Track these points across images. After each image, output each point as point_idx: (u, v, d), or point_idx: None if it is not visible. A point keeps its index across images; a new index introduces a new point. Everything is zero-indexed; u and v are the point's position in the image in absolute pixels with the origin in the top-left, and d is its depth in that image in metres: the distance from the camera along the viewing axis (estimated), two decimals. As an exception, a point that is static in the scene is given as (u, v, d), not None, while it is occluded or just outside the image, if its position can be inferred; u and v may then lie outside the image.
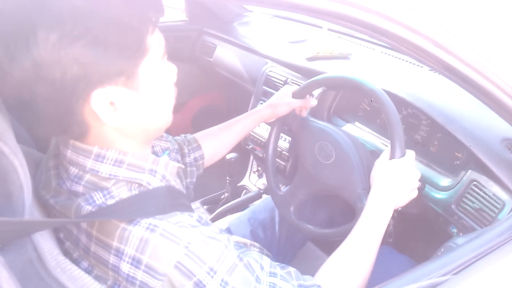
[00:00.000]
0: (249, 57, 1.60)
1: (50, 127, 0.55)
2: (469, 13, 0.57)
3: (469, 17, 0.57)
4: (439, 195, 0.99)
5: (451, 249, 0.70)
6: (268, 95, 1.44)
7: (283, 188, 1.12)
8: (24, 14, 0.46)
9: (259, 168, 1.60)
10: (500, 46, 0.58)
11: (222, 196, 1.53)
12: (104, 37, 0.48)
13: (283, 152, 1.37)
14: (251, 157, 1.62)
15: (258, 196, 1.48)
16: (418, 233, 1.16)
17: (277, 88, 1.41)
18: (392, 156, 0.81)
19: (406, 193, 0.78)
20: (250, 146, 1.50)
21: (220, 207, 1.39)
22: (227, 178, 1.50)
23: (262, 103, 1.46)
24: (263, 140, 1.44)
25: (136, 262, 0.54)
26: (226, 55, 1.72)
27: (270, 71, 1.46)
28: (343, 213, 1.17)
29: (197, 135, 1.01)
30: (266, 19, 1.94)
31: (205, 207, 1.54)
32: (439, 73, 0.61)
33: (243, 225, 1.13)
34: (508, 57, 0.59)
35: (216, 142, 1.04)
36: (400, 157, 0.80)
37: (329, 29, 1.43)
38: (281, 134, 1.34)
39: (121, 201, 0.57)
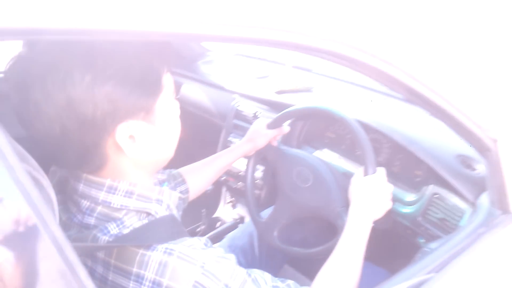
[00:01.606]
0: (216, 93, 1.68)
1: (73, 159, 0.59)
2: (430, 49, 0.69)
3: (433, 52, 0.68)
4: (406, 209, 1.09)
5: (427, 253, 0.79)
6: (239, 127, 1.52)
7: (263, 215, 1.18)
8: (61, 57, 0.51)
9: (232, 199, 1.65)
10: (457, 76, 0.70)
11: (198, 229, 1.55)
12: (131, 77, 0.54)
13: (257, 181, 1.44)
14: (223, 189, 1.67)
15: (234, 226, 1.53)
16: (390, 246, 1.25)
17: (247, 121, 1.50)
18: (366, 173, 0.91)
19: (382, 205, 0.87)
20: (223, 178, 1.55)
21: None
22: (202, 210, 1.53)
23: (234, 136, 1.53)
24: (236, 172, 1.50)
25: (156, 286, 0.57)
26: (193, 92, 1.79)
27: (239, 105, 1.55)
28: (317, 233, 1.24)
29: (182, 170, 1.06)
30: (228, 57, 2.04)
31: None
32: (406, 99, 0.71)
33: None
34: (463, 86, 0.72)
35: (200, 177, 1.09)
36: (373, 173, 0.90)
37: (293, 66, 1.55)
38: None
39: (134, 230, 0.61)
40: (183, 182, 1.02)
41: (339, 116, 1.00)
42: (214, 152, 1.42)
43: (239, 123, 1.53)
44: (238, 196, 1.63)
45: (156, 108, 0.60)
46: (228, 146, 1.50)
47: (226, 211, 1.67)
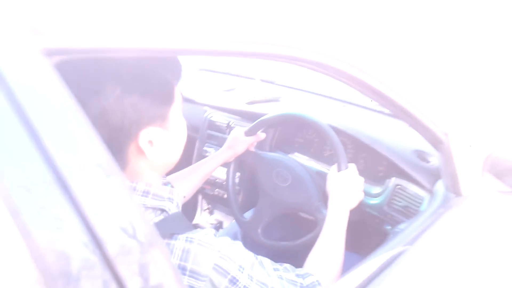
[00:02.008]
0: (187, 106, 1.76)
1: None
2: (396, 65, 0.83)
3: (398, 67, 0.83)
4: (373, 201, 1.23)
5: (398, 232, 0.92)
6: (213, 137, 1.61)
7: (246, 216, 1.27)
8: (94, 73, 0.59)
9: (209, 206, 1.73)
10: (414, 81, 0.85)
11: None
12: (152, 89, 0.63)
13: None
14: (200, 196, 1.75)
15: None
16: (361, 235, 1.39)
17: (221, 131, 1.59)
18: (339, 169, 1.03)
19: (356, 195, 1.00)
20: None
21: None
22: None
23: (208, 145, 1.62)
24: (212, 179, 1.59)
25: (181, 270, 0.65)
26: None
27: (212, 116, 1.64)
28: (295, 228, 1.35)
29: (169, 177, 1.13)
30: (193, 72, 2.13)
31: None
32: (377, 102, 0.85)
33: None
34: (419, 89, 0.87)
35: (186, 183, 1.16)
36: (345, 169, 1.03)
37: (261, 79, 1.68)
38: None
39: (155, 224, 0.69)
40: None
41: (312, 121, 1.13)
42: (189, 162, 1.51)
43: (213, 133, 1.62)
44: (215, 202, 1.71)
45: (169, 116, 0.69)
46: (204, 156, 1.59)
47: (204, 218, 1.74)
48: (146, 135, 0.66)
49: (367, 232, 1.34)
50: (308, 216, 1.41)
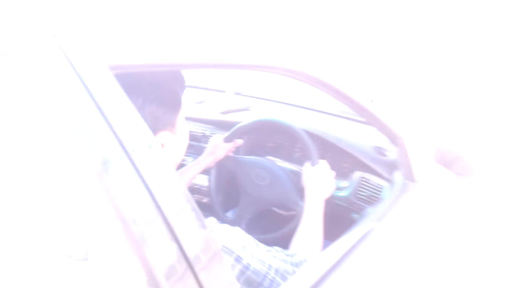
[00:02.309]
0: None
1: None
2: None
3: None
4: (341, 193, 1.40)
5: (367, 214, 1.08)
6: (190, 146, 1.72)
7: (229, 215, 1.39)
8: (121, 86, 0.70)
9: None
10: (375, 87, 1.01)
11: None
12: (165, 98, 0.75)
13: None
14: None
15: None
16: (331, 224, 1.55)
17: (197, 140, 1.71)
18: (312, 165, 1.19)
19: (329, 186, 1.16)
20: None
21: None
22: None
23: (185, 154, 1.72)
24: (190, 185, 1.69)
25: None
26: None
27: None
28: (274, 222, 1.49)
29: None
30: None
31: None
32: (345, 105, 1.01)
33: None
34: (378, 93, 1.04)
35: None
36: (317, 164, 1.18)
37: (233, 91, 1.81)
38: (206, 176, 1.62)
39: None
40: None
41: (286, 125, 1.27)
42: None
43: (190, 143, 1.72)
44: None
45: (177, 121, 0.81)
46: (183, 164, 1.69)
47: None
48: (159, 139, 0.77)
49: (337, 222, 1.50)
50: (284, 212, 1.56)
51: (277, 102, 1.86)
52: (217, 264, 0.53)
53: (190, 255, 0.49)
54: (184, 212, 0.50)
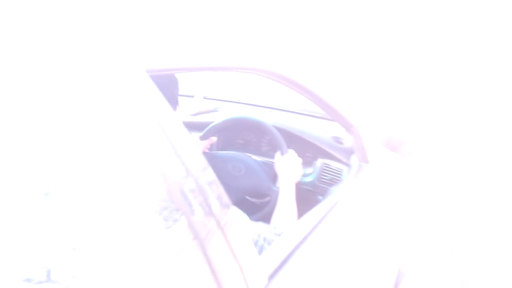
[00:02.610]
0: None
1: None
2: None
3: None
4: (307, 179, 1.60)
5: (330, 192, 1.28)
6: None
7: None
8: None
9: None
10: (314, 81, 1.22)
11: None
12: (171, 97, 0.90)
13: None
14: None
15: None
16: (299, 206, 1.75)
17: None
18: (282, 154, 1.37)
19: (298, 171, 1.35)
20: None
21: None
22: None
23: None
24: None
25: None
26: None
27: (161, 130, 1.89)
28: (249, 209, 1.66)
29: None
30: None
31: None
32: (309, 99, 1.20)
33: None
34: (334, 87, 1.24)
35: None
36: (286, 153, 1.37)
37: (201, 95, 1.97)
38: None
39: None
40: None
41: (257, 120, 1.45)
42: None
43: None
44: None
45: None
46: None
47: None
48: None
49: (305, 205, 1.70)
50: (256, 200, 1.74)
51: (243, 103, 2.04)
52: (234, 222, 0.69)
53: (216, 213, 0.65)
54: (212, 182, 0.66)
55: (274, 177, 1.49)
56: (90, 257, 0.50)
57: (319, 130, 1.64)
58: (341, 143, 1.57)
